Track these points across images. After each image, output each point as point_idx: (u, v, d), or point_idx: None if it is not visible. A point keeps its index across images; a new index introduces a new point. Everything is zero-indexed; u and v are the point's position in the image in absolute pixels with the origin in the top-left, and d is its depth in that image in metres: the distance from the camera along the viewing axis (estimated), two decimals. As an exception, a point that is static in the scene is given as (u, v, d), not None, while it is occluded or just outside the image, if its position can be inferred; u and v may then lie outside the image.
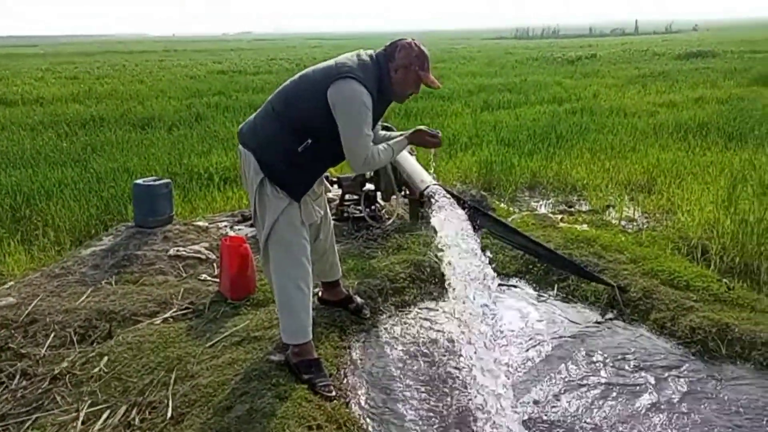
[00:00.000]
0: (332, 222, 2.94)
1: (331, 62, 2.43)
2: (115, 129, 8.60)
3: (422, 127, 2.66)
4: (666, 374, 2.60)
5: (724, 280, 3.30)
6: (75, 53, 35.12)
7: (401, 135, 2.64)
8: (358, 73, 2.33)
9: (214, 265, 3.68)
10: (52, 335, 2.84)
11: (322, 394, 2.37)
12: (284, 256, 2.47)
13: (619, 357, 2.75)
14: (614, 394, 2.48)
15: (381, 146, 2.48)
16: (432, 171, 3.08)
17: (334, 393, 2.40)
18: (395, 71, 2.42)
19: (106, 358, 2.63)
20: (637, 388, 2.52)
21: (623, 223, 4.63)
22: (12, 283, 3.48)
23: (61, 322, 2.93)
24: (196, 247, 3.87)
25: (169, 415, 2.26)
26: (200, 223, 4.34)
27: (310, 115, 2.37)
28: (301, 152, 2.39)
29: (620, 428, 2.28)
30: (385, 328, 3.05)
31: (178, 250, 3.79)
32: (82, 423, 2.24)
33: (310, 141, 2.38)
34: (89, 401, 2.36)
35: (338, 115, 2.32)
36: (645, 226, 4.54)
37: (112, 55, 31.45)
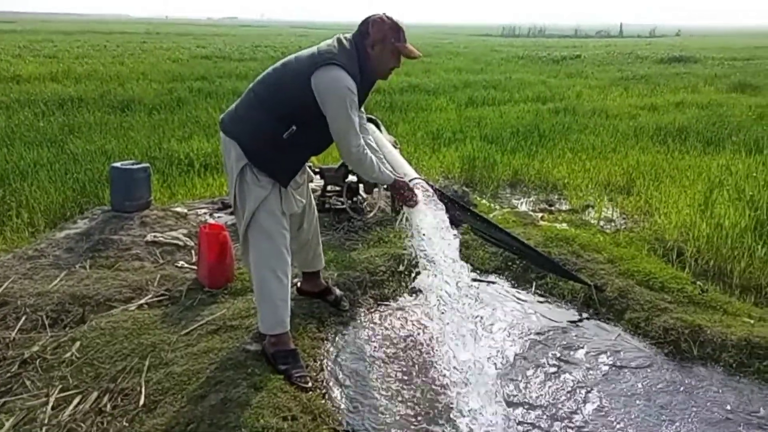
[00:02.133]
0: (316, 212, 2.92)
1: (313, 49, 2.42)
2: (93, 110, 8.43)
3: (414, 177, 2.64)
4: (637, 373, 2.64)
5: (698, 282, 3.36)
6: (54, 32, 34.31)
7: (392, 172, 2.62)
8: (341, 59, 2.33)
9: (192, 252, 3.64)
10: (23, 318, 2.78)
11: (298, 384, 2.36)
12: (264, 246, 2.45)
13: (593, 355, 2.78)
14: (585, 391, 2.51)
15: (373, 156, 2.49)
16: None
17: (310, 384, 2.39)
18: (372, 48, 2.41)
19: (78, 343, 2.59)
20: (608, 386, 2.55)
21: (602, 223, 4.68)
22: (-18, 264, 3.40)
23: (32, 305, 2.87)
24: (174, 233, 3.82)
25: (141, 402, 2.23)
26: (179, 209, 4.28)
27: (295, 102, 2.37)
28: (286, 138, 2.38)
29: (589, 424, 2.31)
30: (364, 321, 3.05)
31: (155, 236, 3.73)
32: (52, 408, 2.20)
33: (294, 128, 2.37)
34: (60, 386, 2.32)
35: (324, 103, 2.32)
36: (623, 227, 4.60)
37: (93, 35, 30.77)
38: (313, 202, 2.89)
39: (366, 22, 2.44)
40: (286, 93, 2.38)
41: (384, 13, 2.46)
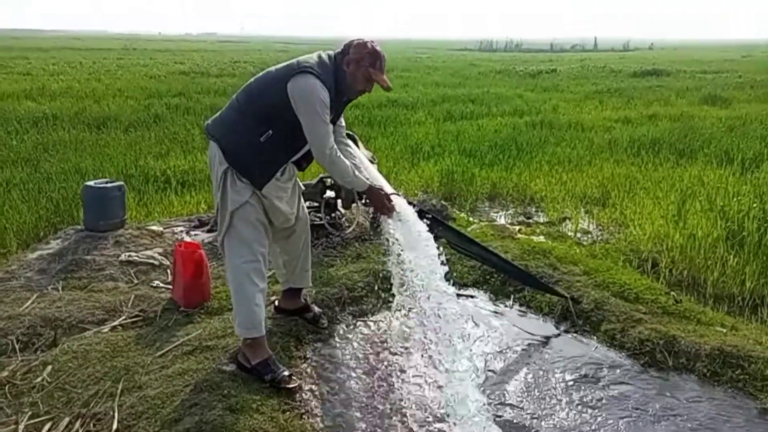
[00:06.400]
0: (309, 225, 2.93)
1: (293, 60, 2.55)
2: (68, 128, 8.32)
3: (391, 192, 2.71)
4: (615, 386, 2.66)
5: (672, 292, 3.41)
6: (29, 48, 33.90)
7: (368, 179, 2.68)
8: (316, 69, 2.46)
9: (168, 271, 3.59)
10: (-8, 343, 2.71)
11: (288, 388, 2.45)
12: (241, 252, 2.50)
13: (571, 368, 2.80)
14: (564, 403, 2.52)
15: (348, 161, 2.58)
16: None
17: (298, 383, 2.51)
18: (347, 65, 2.54)
19: (49, 367, 2.53)
20: (587, 398, 2.57)
21: (578, 235, 4.74)
22: (-50, 287, 3.32)
23: (2, 329, 2.80)
24: (149, 252, 3.77)
25: (114, 427, 2.18)
26: (154, 228, 4.23)
27: (271, 106, 2.48)
28: (263, 142, 2.48)
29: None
30: (342, 338, 3.03)
31: (129, 256, 3.68)
32: (21, 436, 2.15)
33: (271, 132, 2.48)
34: (30, 412, 2.26)
35: (298, 107, 2.43)
36: (599, 239, 4.65)
37: (69, 52, 30.48)
38: (306, 214, 2.91)
39: (350, 43, 2.58)
40: (263, 98, 2.51)
41: (370, 40, 2.59)
